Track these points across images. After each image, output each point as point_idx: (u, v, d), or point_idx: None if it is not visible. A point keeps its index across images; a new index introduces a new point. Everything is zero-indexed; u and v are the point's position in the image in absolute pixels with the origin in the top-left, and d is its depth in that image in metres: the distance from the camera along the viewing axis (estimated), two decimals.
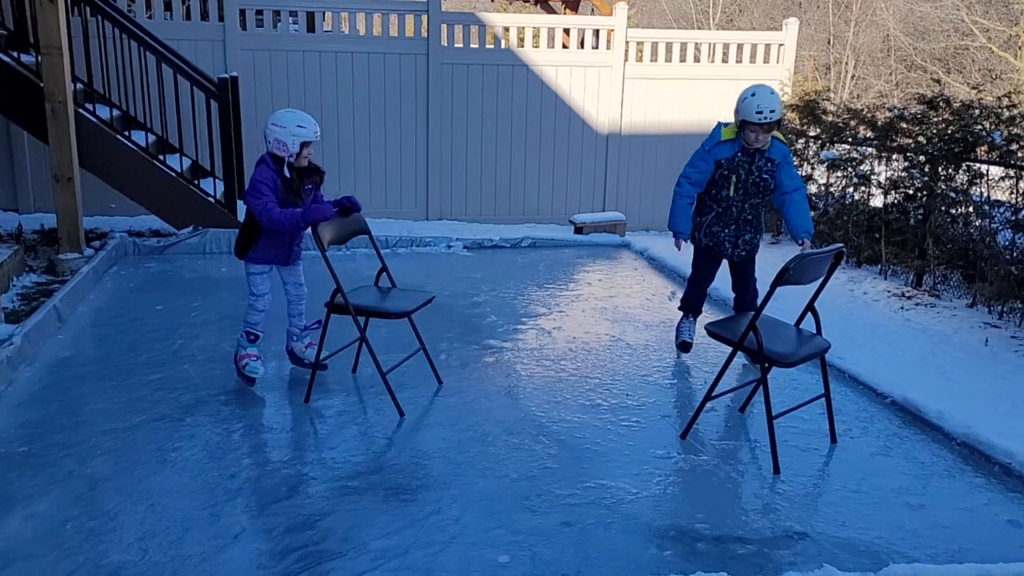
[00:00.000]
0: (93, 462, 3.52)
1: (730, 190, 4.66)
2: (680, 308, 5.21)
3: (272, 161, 4.13)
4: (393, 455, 3.70)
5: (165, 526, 3.05)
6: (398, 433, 3.93)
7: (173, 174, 7.32)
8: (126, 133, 7.24)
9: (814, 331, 3.87)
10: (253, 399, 4.29)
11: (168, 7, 8.43)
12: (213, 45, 8.49)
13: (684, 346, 5.07)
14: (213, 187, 7.57)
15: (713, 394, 3.87)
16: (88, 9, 7.31)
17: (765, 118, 4.41)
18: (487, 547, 2.98)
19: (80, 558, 2.85)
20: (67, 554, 2.86)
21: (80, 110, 6.94)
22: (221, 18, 8.47)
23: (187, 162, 7.65)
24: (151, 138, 7.51)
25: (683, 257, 7.41)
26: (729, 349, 3.79)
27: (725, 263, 5.01)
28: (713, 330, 3.92)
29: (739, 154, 4.61)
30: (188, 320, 5.49)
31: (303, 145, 4.12)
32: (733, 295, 5.13)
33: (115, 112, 7.39)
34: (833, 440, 3.91)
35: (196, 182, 7.55)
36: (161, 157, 7.38)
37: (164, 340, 5.07)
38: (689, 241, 4.89)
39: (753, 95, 4.45)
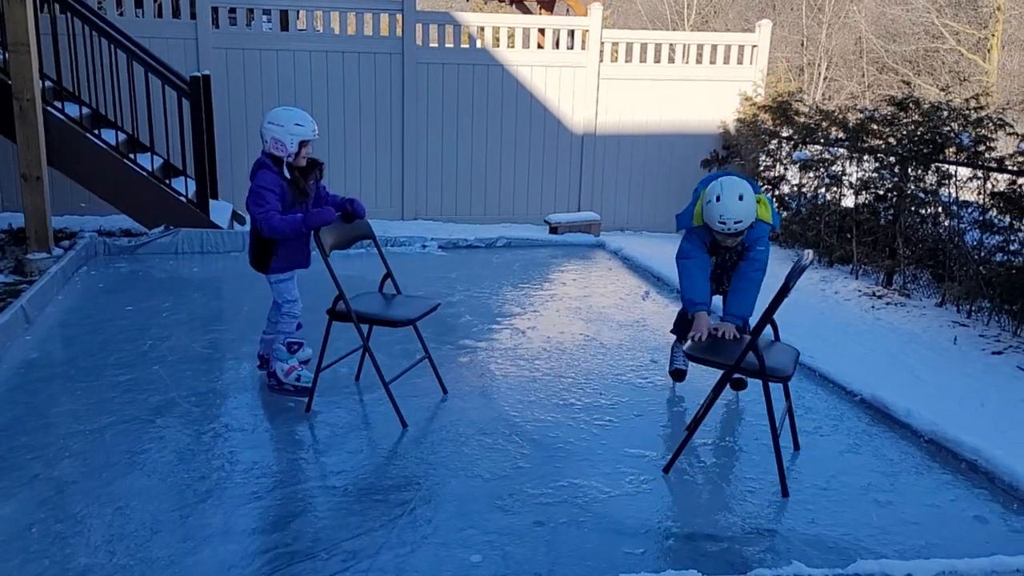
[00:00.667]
0: (60, 464, 3.48)
1: (712, 264, 4.12)
2: (673, 332, 4.63)
3: (272, 163, 4.00)
4: (365, 456, 3.68)
5: (133, 528, 3.02)
6: (370, 434, 3.91)
7: (144, 173, 7.24)
8: (96, 131, 7.16)
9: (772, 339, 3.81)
10: (223, 400, 4.25)
11: (139, 4, 8.36)
12: (185, 43, 8.43)
13: (678, 374, 4.54)
14: (185, 186, 7.50)
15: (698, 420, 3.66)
16: (57, 6, 7.22)
17: (729, 229, 3.74)
18: (459, 547, 2.98)
19: (46, 561, 2.81)
20: (32, 557, 2.82)
21: (49, 108, 6.85)
22: (193, 16, 8.41)
23: (158, 161, 7.58)
24: (121, 136, 7.43)
25: (657, 256, 7.47)
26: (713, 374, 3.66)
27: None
28: (698, 355, 3.54)
29: (710, 243, 4.02)
30: (159, 321, 5.43)
31: (301, 144, 4.00)
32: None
33: (84, 110, 7.31)
34: (796, 448, 3.87)
35: (167, 181, 7.48)
36: (132, 156, 7.30)
37: (134, 341, 5.02)
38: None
39: (718, 199, 3.71)
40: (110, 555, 2.85)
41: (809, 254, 3.59)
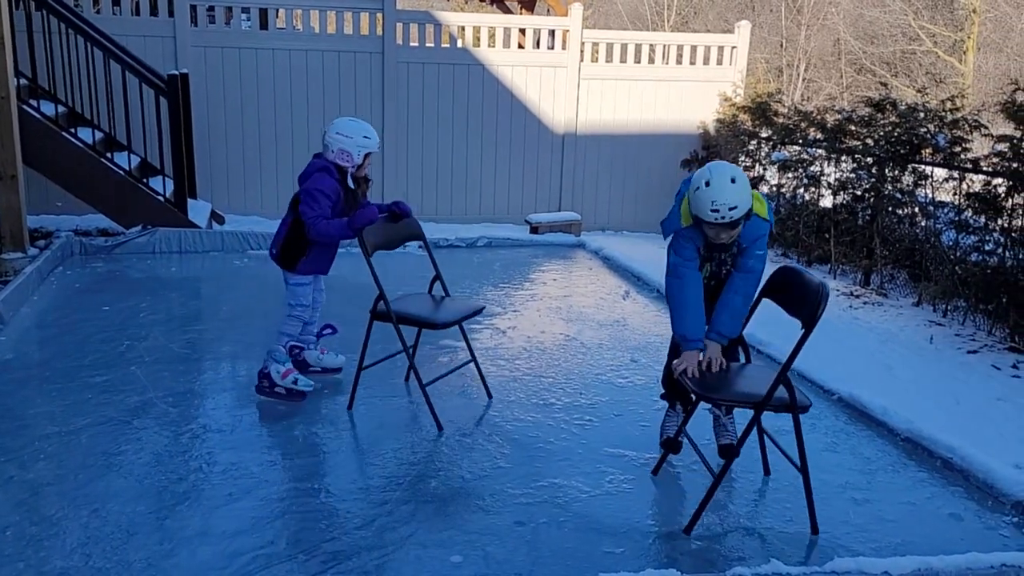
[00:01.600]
0: (35, 466, 3.44)
1: (705, 273, 3.54)
2: (663, 397, 3.91)
3: (335, 170, 4.02)
4: (344, 457, 3.67)
5: (109, 531, 2.99)
6: (348, 435, 3.90)
7: (121, 172, 7.18)
8: (72, 130, 7.08)
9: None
10: (201, 401, 4.22)
11: (116, 2, 8.28)
12: (163, 41, 8.36)
13: (669, 444, 3.65)
14: (163, 185, 7.44)
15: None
16: (32, 3, 7.14)
17: (723, 217, 3.20)
18: (439, 547, 2.97)
19: (20, 564, 2.77)
20: (7, 561, 2.79)
21: (24, 106, 6.77)
22: (171, 13, 8.35)
23: (136, 160, 7.52)
24: (98, 135, 7.36)
25: (637, 256, 7.49)
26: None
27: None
28: (707, 395, 3.18)
29: (702, 248, 3.48)
30: (136, 321, 5.39)
31: (366, 156, 4.05)
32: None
33: (61, 108, 7.24)
34: (766, 472, 3.62)
35: (145, 180, 7.42)
36: (109, 155, 7.23)
37: (110, 342, 4.97)
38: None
39: (707, 185, 3.20)
40: (86, 558, 2.83)
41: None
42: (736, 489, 3.50)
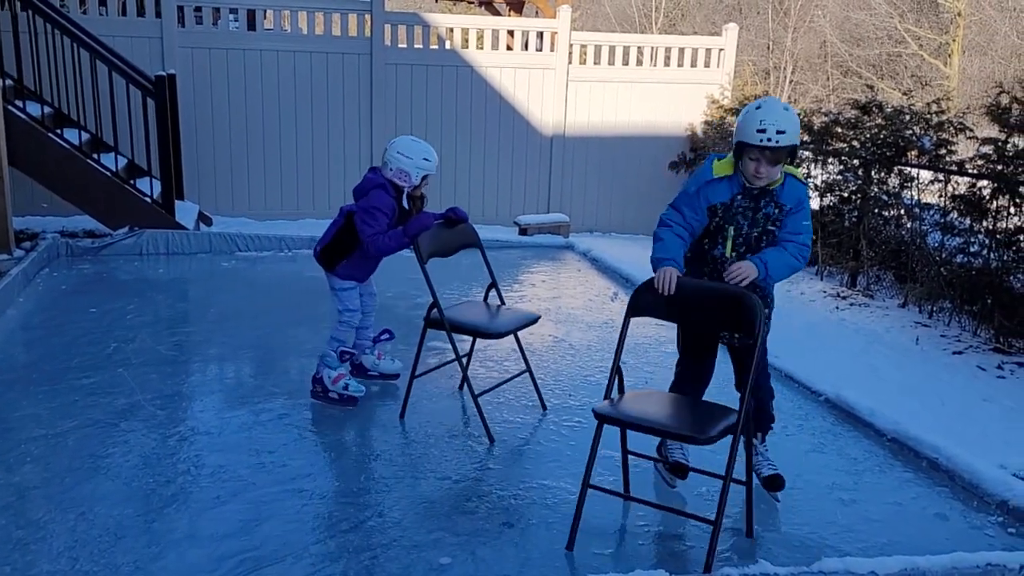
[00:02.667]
0: (21, 470, 3.42)
1: (726, 248, 3.24)
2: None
3: (392, 187, 4.01)
4: (333, 458, 3.67)
5: (97, 534, 2.98)
6: (337, 437, 3.89)
7: (108, 173, 7.14)
8: (58, 131, 7.05)
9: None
10: (189, 404, 4.21)
11: (103, 2, 8.25)
12: (150, 42, 8.32)
13: (676, 469, 3.45)
14: (150, 187, 7.41)
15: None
16: (18, 3, 7.10)
17: (769, 139, 3.01)
18: (428, 549, 2.97)
19: (7, 568, 2.76)
20: None
21: (9, 107, 6.73)
22: (159, 14, 8.32)
23: (123, 161, 7.48)
24: (85, 136, 7.32)
25: (626, 258, 7.51)
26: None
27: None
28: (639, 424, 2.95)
29: (739, 197, 3.20)
30: (123, 323, 5.36)
31: (423, 178, 4.03)
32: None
33: (47, 109, 7.20)
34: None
35: (132, 182, 7.39)
36: (95, 156, 7.20)
37: (97, 344, 4.94)
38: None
39: (758, 108, 3.08)
40: (73, 561, 2.81)
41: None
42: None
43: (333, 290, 4.21)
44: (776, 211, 3.20)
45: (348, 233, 4.07)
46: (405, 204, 4.06)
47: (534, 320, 4.09)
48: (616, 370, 3.16)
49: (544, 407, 4.27)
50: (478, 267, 4.36)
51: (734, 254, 3.23)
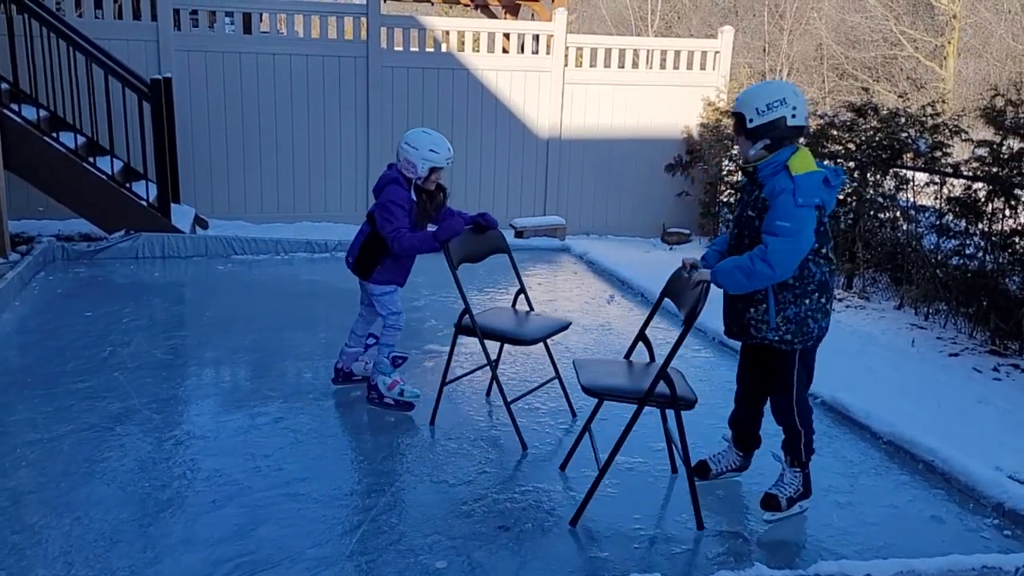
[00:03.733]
0: (16, 474, 3.41)
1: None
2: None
3: (403, 180, 3.99)
4: (329, 462, 3.66)
5: (92, 539, 2.97)
6: (334, 440, 3.89)
7: (104, 177, 7.14)
8: (54, 134, 7.04)
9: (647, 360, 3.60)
10: (185, 407, 4.20)
11: (99, 5, 8.24)
12: (146, 45, 8.31)
13: (699, 468, 3.56)
14: (146, 190, 7.40)
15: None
16: (14, 7, 7.09)
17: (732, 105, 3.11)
18: (424, 553, 2.97)
19: (3, 573, 2.75)
20: None
21: (5, 111, 6.73)
22: (154, 17, 8.30)
23: (119, 164, 7.47)
24: (81, 140, 7.31)
25: (622, 260, 7.51)
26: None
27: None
28: (594, 388, 3.21)
29: (744, 177, 3.38)
30: (119, 327, 5.35)
31: (432, 170, 3.98)
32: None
33: (42, 113, 7.19)
34: (673, 471, 3.64)
35: (128, 185, 7.38)
36: (91, 159, 7.19)
37: (93, 347, 4.94)
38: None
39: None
40: (68, 566, 2.81)
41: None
42: (720, 494, 3.51)
43: (373, 297, 4.16)
44: (759, 195, 3.13)
45: (375, 239, 4.03)
46: (412, 196, 4.00)
47: (565, 326, 4.10)
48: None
49: (574, 414, 4.24)
50: (472, 268, 4.36)
51: (734, 237, 3.27)
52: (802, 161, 3.05)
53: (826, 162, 7.58)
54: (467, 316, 3.89)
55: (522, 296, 4.22)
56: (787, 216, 2.98)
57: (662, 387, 3.12)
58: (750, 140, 3.11)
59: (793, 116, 3.06)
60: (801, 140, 3.22)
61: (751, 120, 3.07)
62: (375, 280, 4.11)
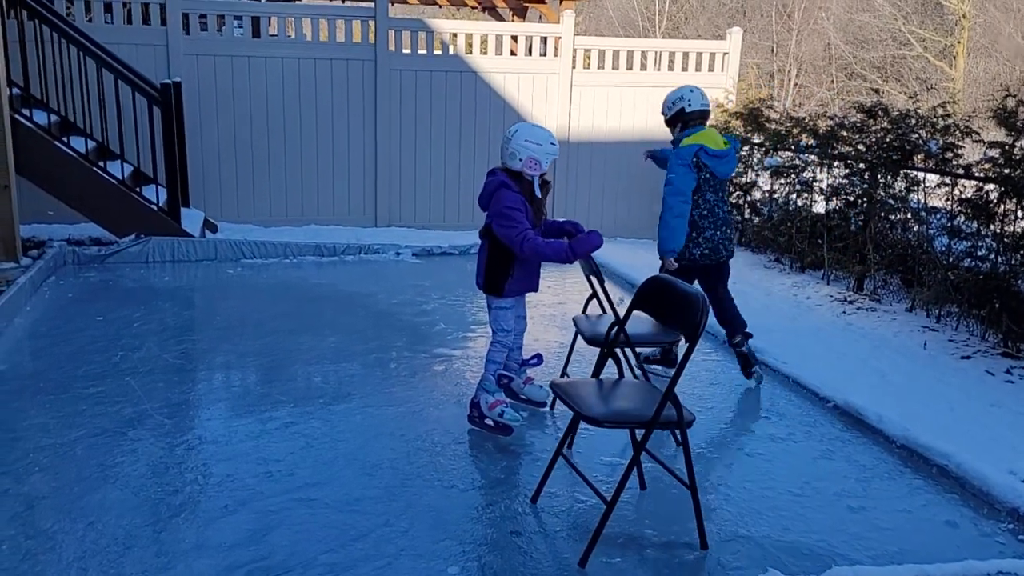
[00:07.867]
0: (30, 479, 3.42)
1: None
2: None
3: (513, 181, 3.86)
4: (340, 467, 3.66)
5: (106, 544, 2.98)
6: (345, 445, 3.88)
7: (114, 181, 7.16)
8: (64, 139, 7.06)
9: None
10: (197, 412, 4.21)
11: (108, 10, 8.27)
12: (156, 49, 8.34)
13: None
14: (156, 194, 7.42)
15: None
16: (25, 12, 7.12)
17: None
18: (436, 558, 2.97)
19: None
20: (1, 575, 2.78)
21: (16, 115, 6.75)
22: (164, 22, 8.33)
23: (128, 169, 7.49)
24: (91, 144, 7.34)
25: (631, 263, 7.49)
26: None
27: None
28: (591, 415, 3.06)
29: None
30: (130, 331, 5.37)
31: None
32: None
33: (53, 117, 7.22)
34: (642, 487, 3.56)
35: (138, 189, 7.40)
36: (101, 164, 7.22)
37: (104, 352, 4.95)
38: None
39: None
40: (82, 572, 2.81)
41: None
42: (732, 498, 3.50)
43: (490, 309, 4.09)
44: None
45: (498, 251, 3.93)
46: (537, 192, 3.91)
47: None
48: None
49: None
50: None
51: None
52: (691, 139, 4.68)
53: (835, 164, 7.56)
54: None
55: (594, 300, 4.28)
56: (670, 171, 4.74)
57: (668, 409, 3.04)
58: (670, 127, 4.86)
59: (689, 105, 4.73)
60: (709, 122, 4.93)
61: (664, 114, 4.87)
62: (508, 292, 3.99)
